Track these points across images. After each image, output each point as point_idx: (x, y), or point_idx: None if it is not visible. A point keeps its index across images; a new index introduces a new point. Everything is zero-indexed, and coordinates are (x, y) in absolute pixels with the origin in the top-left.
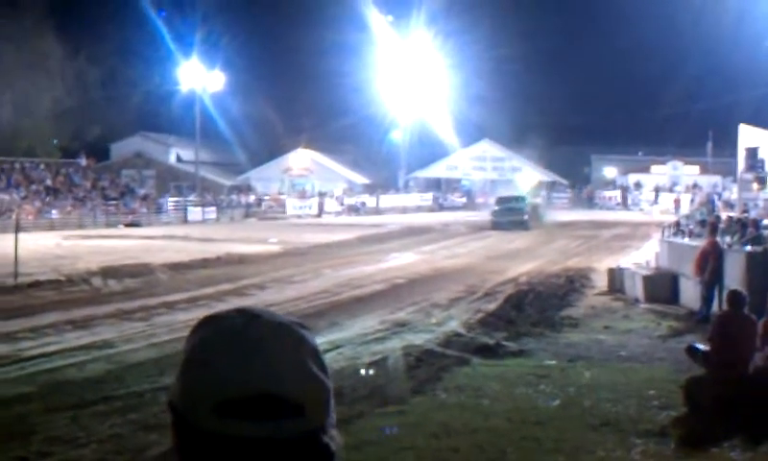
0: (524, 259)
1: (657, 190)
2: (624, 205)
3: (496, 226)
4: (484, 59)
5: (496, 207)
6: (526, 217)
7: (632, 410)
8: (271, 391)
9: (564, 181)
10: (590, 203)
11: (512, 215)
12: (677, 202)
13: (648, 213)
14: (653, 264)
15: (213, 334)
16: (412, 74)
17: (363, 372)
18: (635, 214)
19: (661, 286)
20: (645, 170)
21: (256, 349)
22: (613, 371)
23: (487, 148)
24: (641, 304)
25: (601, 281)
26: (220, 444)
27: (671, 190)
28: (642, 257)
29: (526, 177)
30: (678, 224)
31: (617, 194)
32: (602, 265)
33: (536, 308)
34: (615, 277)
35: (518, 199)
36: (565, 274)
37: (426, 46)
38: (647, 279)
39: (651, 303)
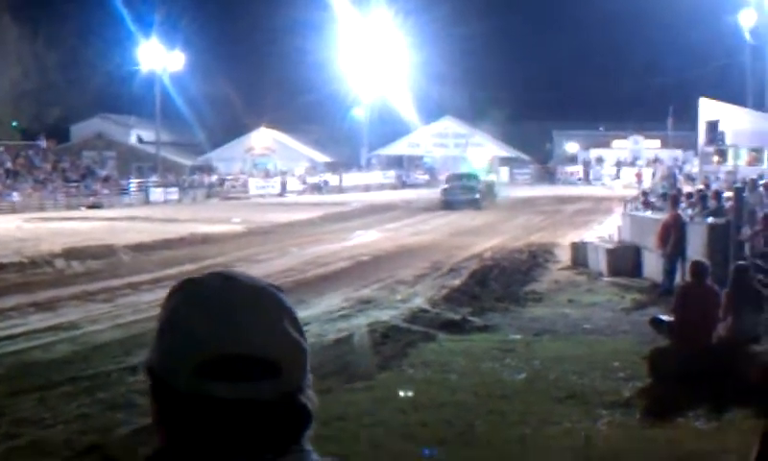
0: (488, 235)
1: (618, 165)
2: (586, 180)
3: (447, 205)
4: (445, 36)
5: (446, 186)
6: (478, 196)
7: (597, 382)
8: (249, 352)
9: (526, 157)
10: (552, 178)
11: (463, 194)
12: (639, 176)
13: (610, 188)
14: (616, 238)
15: (190, 297)
16: (373, 52)
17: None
18: (597, 189)
19: (624, 259)
20: (607, 145)
21: (234, 310)
22: (578, 344)
23: (448, 125)
24: (605, 278)
25: (564, 256)
26: (199, 406)
27: (633, 165)
28: (605, 231)
29: (481, 153)
30: (645, 194)
31: (579, 169)
32: (565, 240)
33: (500, 284)
34: (579, 251)
35: (470, 176)
36: (529, 249)
37: (387, 24)
38: (610, 253)
39: (614, 277)
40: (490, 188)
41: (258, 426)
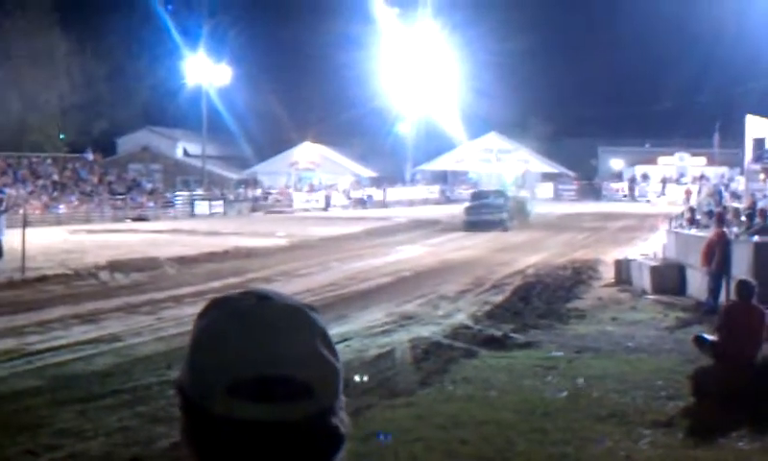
0: (531, 251)
1: (664, 182)
2: (631, 196)
3: (469, 226)
4: (491, 51)
5: (470, 204)
6: (505, 215)
7: (639, 401)
8: (281, 373)
9: (571, 173)
10: (597, 194)
11: (488, 213)
12: (688, 193)
13: (655, 205)
14: (660, 255)
15: (223, 316)
16: (418, 67)
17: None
18: (642, 206)
19: (669, 277)
20: (652, 162)
21: (267, 330)
22: (621, 362)
23: (494, 140)
24: (648, 296)
25: (608, 273)
26: (230, 426)
27: (678, 182)
28: (649, 249)
29: (519, 167)
30: (693, 211)
31: (624, 186)
32: (609, 257)
33: (543, 300)
34: (622, 268)
35: (497, 194)
36: (572, 265)
37: (433, 39)
38: (654, 270)
39: (658, 295)
40: (521, 206)
41: (289, 448)
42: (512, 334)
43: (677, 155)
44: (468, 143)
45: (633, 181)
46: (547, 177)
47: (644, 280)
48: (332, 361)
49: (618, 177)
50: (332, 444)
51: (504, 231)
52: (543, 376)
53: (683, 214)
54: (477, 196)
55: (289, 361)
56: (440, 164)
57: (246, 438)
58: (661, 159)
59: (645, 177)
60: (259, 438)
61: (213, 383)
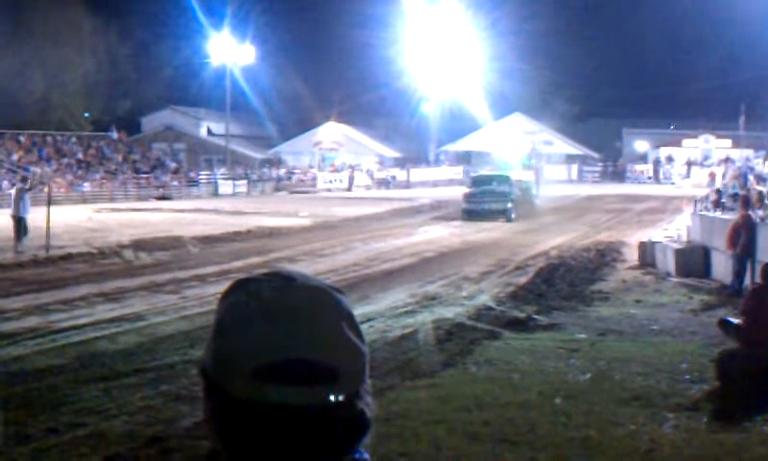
0: (555, 233)
1: (689, 164)
2: (656, 178)
3: (468, 215)
4: (515, 31)
5: (469, 190)
6: (509, 204)
7: (663, 384)
8: (307, 356)
9: (596, 155)
10: (622, 176)
11: (489, 201)
12: (712, 175)
13: (679, 187)
14: (684, 238)
15: (247, 298)
16: (443, 47)
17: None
18: (666, 188)
19: (693, 260)
20: (677, 144)
21: (292, 313)
22: (645, 345)
23: (518, 121)
24: (673, 278)
25: (632, 255)
26: (254, 410)
27: (703, 164)
28: (674, 231)
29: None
30: (719, 193)
31: (649, 168)
32: (633, 239)
33: (566, 282)
34: (647, 250)
35: (501, 180)
36: (596, 247)
37: (457, 19)
38: (679, 253)
39: (682, 277)
40: (526, 192)
41: (314, 433)
42: (535, 316)
43: (702, 137)
44: (492, 124)
45: (657, 163)
46: (571, 158)
47: (668, 263)
48: (358, 344)
49: (643, 159)
50: (358, 428)
51: (507, 222)
52: (566, 359)
53: (707, 197)
54: (478, 181)
55: (314, 345)
56: (464, 145)
57: (270, 422)
58: (686, 142)
59: (670, 159)
60: (284, 422)
61: (237, 367)
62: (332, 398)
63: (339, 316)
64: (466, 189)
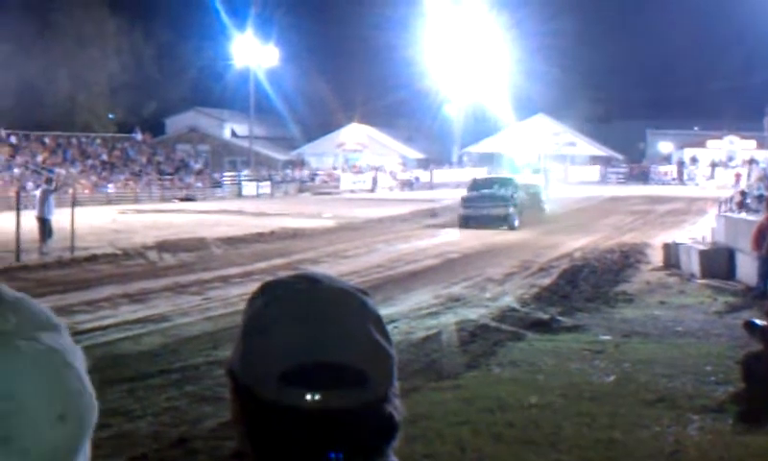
0: (578, 234)
1: (713, 165)
2: (680, 180)
3: (465, 221)
4: (539, 32)
5: (467, 194)
6: (511, 209)
7: (688, 386)
8: (335, 360)
9: (620, 156)
10: (646, 178)
11: (489, 207)
12: (738, 176)
13: (704, 188)
14: (709, 239)
15: (275, 300)
16: (466, 48)
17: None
18: (690, 189)
19: (718, 261)
20: (701, 145)
21: (320, 316)
22: (669, 346)
23: (542, 122)
24: (697, 280)
25: (656, 257)
26: (281, 413)
27: (727, 165)
28: (698, 232)
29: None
30: (744, 194)
31: (673, 169)
32: (657, 240)
33: (590, 283)
34: (671, 252)
35: (503, 183)
36: (620, 249)
37: (481, 20)
38: (703, 255)
39: (707, 279)
40: (534, 197)
41: (343, 436)
42: (559, 317)
43: (726, 138)
44: (515, 125)
45: (681, 164)
46: (595, 159)
47: (693, 264)
48: (386, 347)
49: (667, 160)
50: (387, 432)
51: (510, 230)
52: (591, 360)
53: (732, 198)
54: (477, 185)
55: (343, 348)
56: (487, 146)
57: (298, 425)
58: (711, 143)
59: (694, 160)
60: (312, 426)
61: (265, 369)
62: (361, 401)
63: (367, 318)
64: (464, 193)
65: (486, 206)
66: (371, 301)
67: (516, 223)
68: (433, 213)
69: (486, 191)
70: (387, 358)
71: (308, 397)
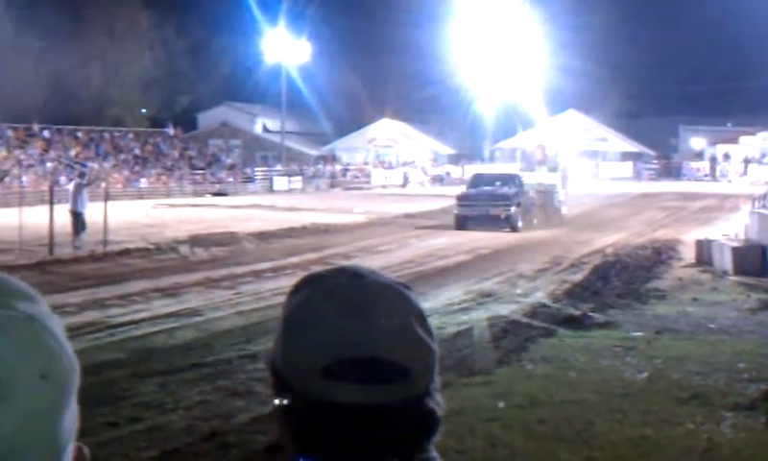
0: (610, 231)
1: (746, 161)
2: (712, 176)
3: (460, 223)
4: (571, 26)
5: (464, 192)
6: (513, 210)
7: (721, 383)
8: (378, 354)
9: (651, 152)
10: (678, 174)
11: (488, 205)
12: None
13: (736, 185)
14: (742, 236)
15: (317, 295)
16: (498, 43)
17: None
18: (723, 186)
19: (751, 258)
20: (734, 141)
21: (362, 310)
22: (702, 343)
23: (573, 117)
24: (730, 277)
25: (688, 253)
26: (323, 408)
27: (761, 162)
28: (731, 229)
29: (603, 147)
30: None
31: (705, 165)
32: (689, 237)
33: (622, 280)
34: (703, 248)
35: (505, 179)
36: (652, 245)
37: (513, 14)
38: (736, 251)
39: (740, 276)
40: (546, 196)
41: (383, 432)
42: (590, 313)
43: (760, 134)
44: (547, 120)
45: (714, 160)
46: (627, 155)
47: (725, 261)
48: (428, 342)
49: (699, 156)
50: (428, 427)
51: (512, 232)
52: (623, 357)
53: (765, 195)
54: (477, 181)
55: (385, 343)
56: (518, 141)
57: (340, 420)
58: (744, 139)
59: (727, 156)
60: (354, 420)
61: (307, 364)
62: (402, 396)
63: (409, 313)
64: (462, 189)
65: (485, 205)
66: (413, 295)
67: (520, 224)
68: None
69: (486, 188)
70: (429, 353)
71: (350, 391)
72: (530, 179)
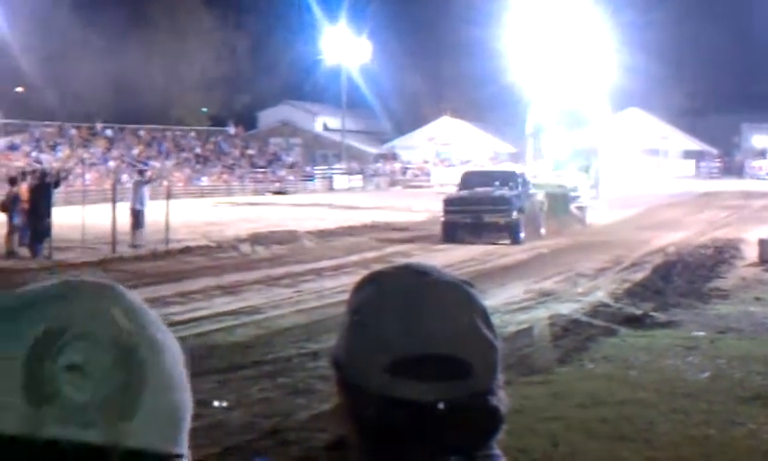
0: (672, 230)
1: None
2: None
3: (449, 232)
4: (634, 23)
5: (456, 194)
6: (515, 215)
7: None
8: (441, 352)
9: (714, 150)
10: (740, 172)
11: (483, 211)
12: None
13: None
14: None
15: (381, 292)
16: (559, 40)
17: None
18: None
19: None
20: None
21: (426, 308)
22: (765, 343)
23: (635, 115)
24: None
25: (751, 252)
26: (387, 405)
27: None
28: None
29: (665, 145)
30: None
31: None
32: (752, 236)
33: (684, 279)
34: (766, 248)
35: (506, 178)
36: (714, 244)
37: (573, 12)
38: None
39: None
40: (560, 200)
41: (446, 429)
42: (652, 313)
43: None
44: (608, 118)
45: None
46: (689, 153)
47: None
48: (492, 339)
49: (761, 154)
50: (491, 424)
51: (514, 244)
52: (685, 356)
53: None
54: (470, 181)
55: (449, 340)
56: (580, 139)
57: (404, 417)
58: None
59: None
60: (418, 418)
61: (372, 361)
62: (466, 393)
63: (473, 311)
64: (450, 192)
65: (478, 211)
66: (476, 293)
67: (522, 235)
68: None
69: (480, 190)
70: (492, 350)
71: (414, 388)
72: (544, 179)
